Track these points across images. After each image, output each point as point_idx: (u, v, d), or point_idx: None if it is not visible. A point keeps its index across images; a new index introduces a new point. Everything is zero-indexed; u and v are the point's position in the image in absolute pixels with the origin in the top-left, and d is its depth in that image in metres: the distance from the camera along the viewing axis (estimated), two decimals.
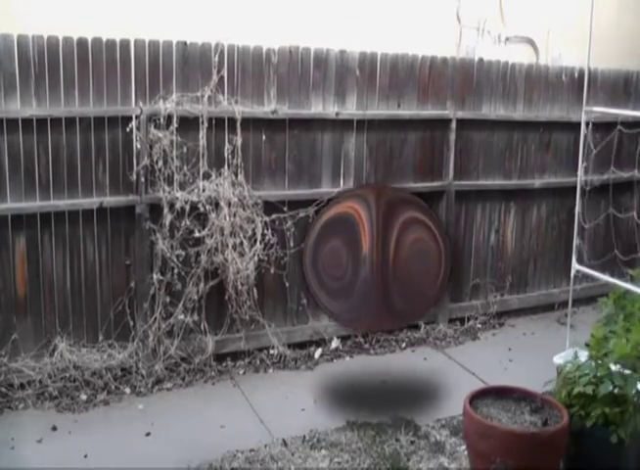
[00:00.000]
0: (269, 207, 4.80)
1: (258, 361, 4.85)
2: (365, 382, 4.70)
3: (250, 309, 4.78)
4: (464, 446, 3.77)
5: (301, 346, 5.05)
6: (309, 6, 5.71)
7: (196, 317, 4.63)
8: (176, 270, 4.53)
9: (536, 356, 4.62)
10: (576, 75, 5.94)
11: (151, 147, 4.38)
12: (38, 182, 4.21)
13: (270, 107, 4.75)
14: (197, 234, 4.56)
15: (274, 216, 4.82)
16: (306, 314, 5.11)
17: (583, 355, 3.68)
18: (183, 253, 4.54)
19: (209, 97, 4.52)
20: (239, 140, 4.63)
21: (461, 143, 5.50)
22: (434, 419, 4.18)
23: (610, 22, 6.73)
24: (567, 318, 4.96)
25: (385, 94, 5.17)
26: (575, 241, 4.85)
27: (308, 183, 4.98)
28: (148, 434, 3.96)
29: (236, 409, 4.26)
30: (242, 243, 4.65)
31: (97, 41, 4.23)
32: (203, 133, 4.51)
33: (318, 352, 5.04)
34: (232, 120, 4.61)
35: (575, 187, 4.92)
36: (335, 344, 5.15)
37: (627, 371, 3.43)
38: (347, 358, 5.06)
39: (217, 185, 4.56)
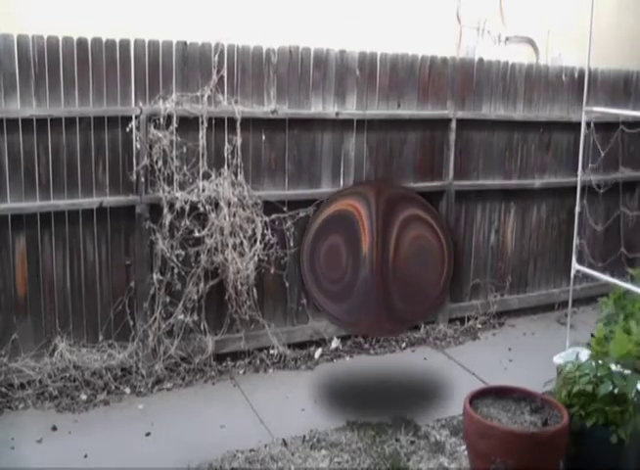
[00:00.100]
0: (269, 207, 4.80)
1: (258, 361, 4.85)
2: (365, 382, 4.70)
3: (249, 309, 4.78)
4: (464, 446, 3.77)
5: (301, 346, 5.05)
6: (309, 6, 5.71)
7: (196, 317, 4.63)
8: (176, 270, 4.53)
9: (536, 356, 4.62)
10: (576, 75, 5.95)
11: (150, 147, 4.39)
12: (38, 182, 4.21)
13: (270, 107, 4.75)
14: (197, 234, 4.56)
15: (274, 216, 4.82)
16: (306, 314, 5.11)
17: (583, 355, 3.68)
18: (183, 253, 4.54)
19: (209, 97, 4.52)
20: (239, 140, 4.63)
21: (461, 143, 5.50)
22: (433, 419, 4.18)
23: (610, 22, 6.73)
24: (567, 318, 4.96)
25: (385, 94, 5.17)
26: (575, 241, 4.85)
27: (308, 183, 4.98)
28: (148, 434, 3.96)
29: (236, 409, 4.26)
30: (242, 243, 4.65)
31: (97, 41, 4.24)
32: (202, 133, 4.51)
33: (318, 352, 5.04)
34: (232, 120, 4.61)
35: (575, 187, 4.92)
36: (335, 344, 5.15)
37: (627, 371, 3.43)
38: (347, 358, 5.06)
39: (217, 185, 4.57)
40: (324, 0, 5.80)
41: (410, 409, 4.25)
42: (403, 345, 5.27)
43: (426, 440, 3.95)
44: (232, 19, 5.24)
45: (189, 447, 3.81)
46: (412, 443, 3.92)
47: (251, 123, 4.70)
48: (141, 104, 4.36)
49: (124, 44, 4.30)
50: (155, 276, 4.49)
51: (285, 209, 4.86)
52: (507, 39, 6.78)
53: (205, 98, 4.50)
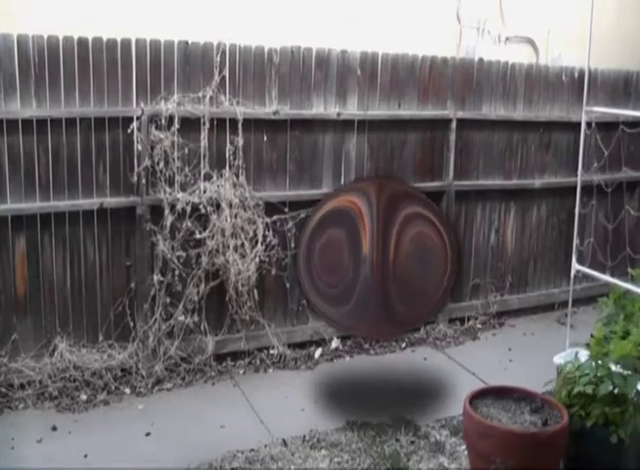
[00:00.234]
0: (270, 208, 4.80)
1: (258, 361, 4.85)
2: (365, 382, 4.71)
3: (250, 310, 4.78)
4: (464, 446, 3.77)
5: (302, 346, 5.05)
6: (310, 6, 5.71)
7: (196, 318, 4.64)
8: (177, 271, 4.53)
9: (536, 356, 4.62)
10: (576, 75, 5.95)
11: (152, 148, 4.38)
12: (38, 183, 4.21)
13: (272, 107, 4.75)
14: (198, 235, 4.56)
15: (275, 217, 4.82)
16: (306, 315, 5.11)
17: (583, 355, 3.69)
18: (184, 254, 4.54)
19: (211, 97, 4.52)
20: (240, 141, 4.63)
21: (461, 143, 5.51)
22: (433, 419, 4.18)
23: (610, 22, 6.73)
24: (567, 318, 4.96)
25: (385, 94, 5.17)
26: (575, 241, 4.85)
27: (309, 184, 4.98)
28: (148, 434, 3.97)
29: (236, 409, 4.27)
30: (243, 244, 4.65)
31: (98, 41, 4.23)
32: (204, 134, 4.51)
33: (318, 352, 5.04)
34: (233, 121, 4.61)
35: (575, 187, 4.92)
36: (335, 344, 5.15)
37: (627, 371, 3.43)
38: (347, 358, 5.07)
39: (218, 186, 4.57)
40: (325, 0, 5.80)
41: (410, 409, 4.26)
42: (403, 345, 5.27)
43: (426, 440, 3.96)
44: (234, 18, 5.24)
45: (189, 447, 3.82)
46: (412, 443, 3.93)
47: (253, 124, 4.70)
48: (142, 104, 4.36)
49: (126, 44, 4.30)
50: (155, 277, 4.49)
51: (286, 209, 4.86)
52: (507, 39, 6.78)
53: (207, 99, 4.50)
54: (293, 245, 4.92)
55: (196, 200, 4.51)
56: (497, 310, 5.82)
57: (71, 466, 3.63)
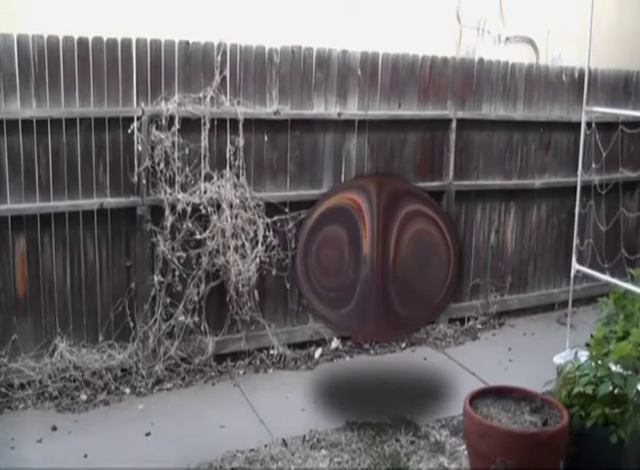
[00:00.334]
0: (271, 208, 4.80)
1: (258, 361, 4.85)
2: (365, 382, 4.70)
3: (250, 310, 4.78)
4: (464, 446, 3.77)
5: (302, 346, 5.05)
6: (311, 6, 5.71)
7: (196, 318, 4.64)
8: (177, 272, 4.53)
9: (536, 356, 4.62)
10: (576, 75, 5.95)
11: (152, 148, 4.38)
12: (38, 183, 4.21)
13: (272, 107, 4.75)
14: (198, 236, 4.56)
15: (276, 218, 4.82)
16: (307, 315, 5.10)
17: (583, 355, 3.69)
18: (184, 254, 4.54)
19: (212, 97, 4.51)
20: (241, 141, 4.62)
21: (461, 143, 5.51)
22: (433, 419, 4.18)
23: (610, 22, 6.73)
24: (567, 318, 4.96)
25: (386, 94, 5.17)
26: (575, 241, 4.85)
27: (310, 184, 4.98)
28: (148, 434, 3.97)
29: (236, 409, 4.27)
30: (243, 245, 4.65)
31: (98, 41, 4.23)
32: (205, 134, 4.51)
33: (318, 352, 5.04)
34: (234, 121, 4.61)
35: (575, 187, 4.92)
36: (335, 344, 5.15)
37: (627, 371, 3.43)
38: (347, 358, 5.07)
39: (219, 187, 4.57)
40: (325, 0, 5.80)
41: (410, 409, 4.26)
42: (403, 345, 5.27)
43: (426, 440, 3.96)
44: (234, 18, 5.24)
45: (189, 447, 3.82)
46: (412, 443, 3.93)
47: (254, 124, 4.70)
48: (143, 105, 4.36)
49: (126, 44, 4.30)
50: (155, 278, 4.49)
51: (286, 210, 4.85)
52: (507, 39, 6.78)
53: (208, 99, 4.49)
54: (293, 245, 4.91)
55: (196, 200, 4.51)
56: (497, 310, 5.82)
57: (71, 466, 3.63)
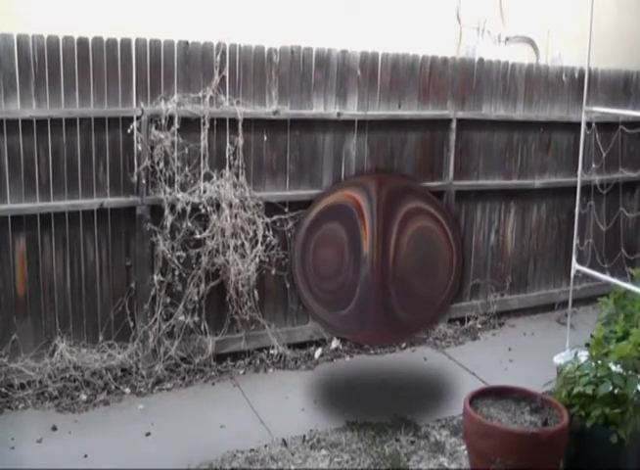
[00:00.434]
0: (270, 208, 4.80)
1: (258, 361, 4.85)
2: (365, 382, 4.70)
3: (250, 310, 4.78)
4: (464, 446, 3.77)
5: (301, 346, 5.05)
6: (310, 6, 5.71)
7: (196, 318, 4.64)
8: (177, 271, 4.53)
9: (536, 356, 4.62)
10: (576, 75, 5.95)
11: (152, 148, 4.38)
12: (38, 183, 4.21)
13: (272, 107, 4.75)
14: (198, 235, 4.56)
15: (275, 217, 4.81)
16: (307, 315, 5.10)
17: (583, 355, 3.69)
18: (184, 254, 4.54)
19: (211, 97, 4.52)
20: (240, 141, 4.63)
21: (461, 143, 5.51)
22: (433, 419, 4.18)
23: (610, 22, 6.73)
24: (567, 318, 4.96)
25: (386, 94, 5.17)
26: (575, 241, 4.85)
27: (310, 184, 4.97)
28: (148, 434, 3.97)
29: (236, 409, 4.27)
30: (243, 244, 4.65)
31: (98, 41, 4.23)
32: (204, 134, 4.51)
33: (318, 352, 5.04)
34: (233, 121, 4.61)
35: (575, 187, 4.92)
36: (335, 344, 5.15)
37: (627, 372, 3.43)
38: (347, 358, 5.07)
39: (218, 186, 4.57)
40: (325, 0, 5.80)
41: (410, 409, 4.26)
42: (403, 345, 5.27)
43: (426, 440, 3.96)
44: (234, 18, 5.24)
45: (189, 447, 3.82)
46: (412, 443, 3.93)
47: (253, 124, 4.70)
48: (142, 104, 4.36)
49: (125, 44, 4.30)
50: (155, 277, 4.49)
51: (286, 210, 4.85)
52: (507, 39, 6.78)
53: (207, 99, 4.50)
54: (292, 245, 4.91)
55: (196, 200, 4.51)
56: (497, 310, 5.82)
57: (71, 466, 3.62)
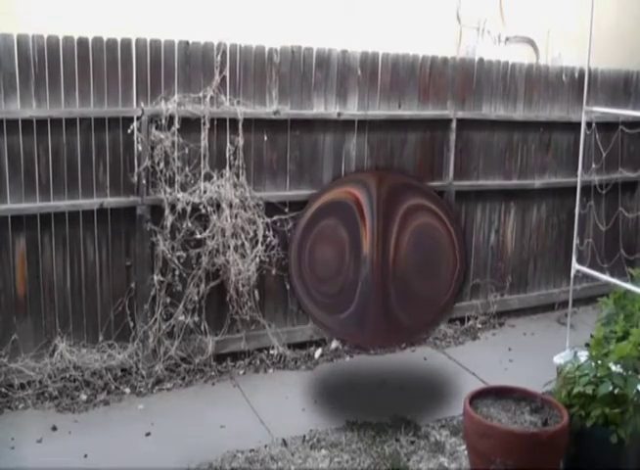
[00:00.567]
0: (270, 208, 4.79)
1: (258, 361, 4.85)
2: (365, 382, 4.70)
3: (250, 310, 4.78)
4: (464, 446, 3.77)
5: (301, 346, 5.05)
6: (311, 6, 5.71)
7: (196, 318, 4.63)
8: (177, 271, 4.53)
9: (536, 356, 4.62)
10: (576, 75, 5.95)
11: (152, 148, 4.38)
12: (38, 183, 4.21)
13: (272, 107, 4.75)
14: (198, 235, 4.56)
15: (275, 217, 4.81)
16: (306, 315, 5.10)
17: (583, 355, 3.69)
18: (184, 254, 4.54)
19: (212, 97, 4.51)
20: (241, 141, 4.62)
21: (461, 143, 5.51)
22: (433, 419, 4.18)
23: (610, 22, 6.72)
24: (567, 318, 4.96)
25: (386, 94, 5.17)
26: (575, 241, 4.85)
27: (310, 184, 4.97)
28: (148, 434, 3.97)
29: (236, 409, 4.27)
30: (243, 244, 4.65)
31: (98, 41, 4.23)
32: (204, 134, 4.51)
33: (318, 353, 5.04)
34: (234, 121, 4.60)
35: (575, 187, 4.93)
36: (335, 344, 5.15)
37: (627, 371, 3.43)
38: (347, 358, 5.07)
39: (219, 186, 4.57)
40: (325, 0, 5.80)
41: (410, 409, 4.25)
42: (403, 345, 5.26)
43: (426, 440, 3.96)
44: (234, 18, 5.24)
45: (189, 447, 3.82)
46: (412, 443, 3.93)
47: (254, 124, 4.70)
48: (142, 104, 4.36)
49: (126, 44, 4.30)
50: (155, 277, 4.49)
51: (286, 210, 4.85)
52: (507, 39, 6.78)
53: (208, 98, 4.49)
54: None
55: (196, 200, 4.51)
56: (497, 310, 5.82)
57: (71, 466, 3.63)
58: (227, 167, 4.62)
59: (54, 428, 3.97)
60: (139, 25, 4.63)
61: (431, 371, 4.87)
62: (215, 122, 4.56)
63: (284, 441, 3.90)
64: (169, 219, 4.46)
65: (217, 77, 4.53)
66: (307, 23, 5.53)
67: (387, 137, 5.22)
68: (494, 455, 3.28)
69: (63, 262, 4.34)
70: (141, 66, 4.35)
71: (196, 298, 4.61)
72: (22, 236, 4.22)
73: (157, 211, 4.47)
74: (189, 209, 4.49)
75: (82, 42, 4.19)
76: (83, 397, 4.28)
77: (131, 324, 4.51)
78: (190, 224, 4.52)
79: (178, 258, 4.52)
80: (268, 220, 4.77)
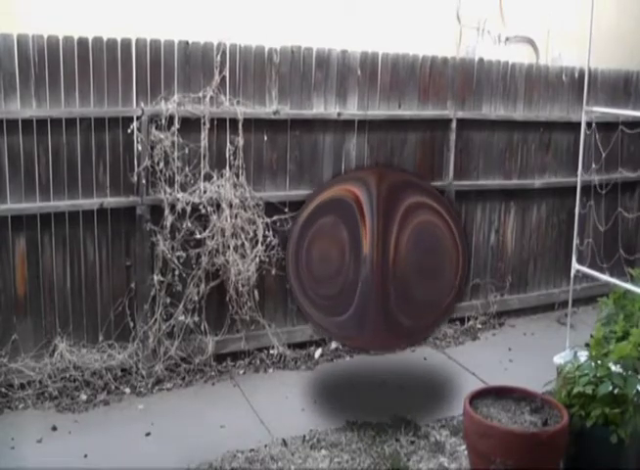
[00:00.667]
0: (270, 208, 4.79)
1: (258, 361, 4.85)
2: (365, 382, 4.70)
3: (250, 310, 4.78)
4: (464, 446, 3.77)
5: (302, 346, 5.05)
6: (311, 6, 5.71)
7: (196, 318, 4.63)
8: (177, 272, 4.53)
9: (536, 356, 4.62)
10: (576, 75, 5.95)
11: (152, 148, 4.38)
12: (38, 183, 4.21)
13: (272, 107, 4.75)
14: (198, 236, 4.56)
15: (275, 217, 4.81)
16: None
17: (583, 355, 3.69)
18: (184, 254, 4.54)
19: (211, 97, 4.51)
20: (240, 141, 4.62)
21: (461, 143, 5.51)
22: (434, 419, 4.18)
23: (610, 22, 6.72)
24: (567, 318, 4.96)
25: (386, 94, 5.17)
26: (575, 241, 4.85)
27: (310, 184, 4.97)
28: (148, 434, 3.97)
29: (236, 409, 4.27)
30: (243, 244, 4.65)
31: (98, 41, 4.23)
32: (204, 134, 4.51)
33: (318, 352, 5.04)
34: (234, 121, 4.60)
35: (575, 187, 4.92)
36: (335, 344, 5.14)
37: (627, 372, 3.43)
38: (347, 358, 5.07)
39: (219, 186, 4.56)
40: (325, 0, 5.80)
41: (410, 409, 4.25)
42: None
43: (426, 440, 3.96)
44: (234, 18, 5.24)
45: (189, 447, 3.82)
46: (412, 443, 3.93)
47: (253, 124, 4.70)
48: (142, 104, 4.36)
49: (126, 43, 4.30)
50: (155, 277, 4.49)
51: (286, 210, 4.85)
52: (507, 39, 6.78)
53: (208, 98, 4.49)
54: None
55: (196, 200, 4.51)
56: (497, 310, 5.82)
57: (71, 466, 3.63)
58: (227, 167, 4.62)
59: (54, 428, 3.97)
60: (139, 25, 4.63)
61: (431, 371, 4.87)
62: (215, 122, 4.56)
63: (284, 441, 3.90)
64: (169, 219, 4.46)
65: (217, 77, 4.53)
66: (307, 23, 5.53)
67: (387, 137, 5.22)
68: (494, 455, 3.28)
69: (63, 262, 4.35)
70: (141, 66, 4.35)
71: (196, 298, 4.61)
72: (22, 236, 4.22)
73: (156, 211, 4.47)
74: (189, 209, 4.49)
75: (82, 42, 4.19)
76: (83, 397, 4.28)
77: (131, 324, 4.51)
78: (190, 224, 4.52)
79: (178, 258, 4.52)
80: (268, 220, 4.77)
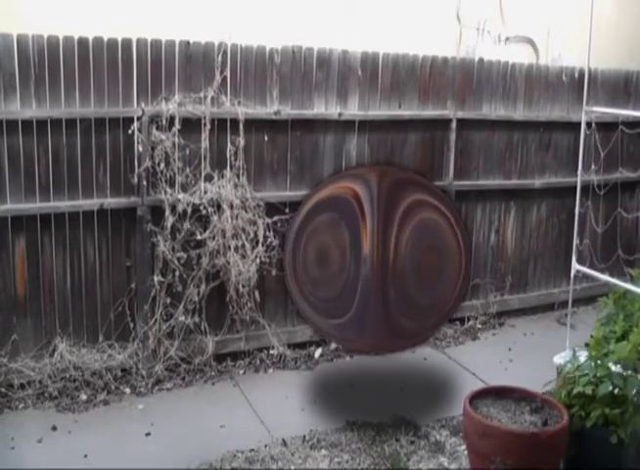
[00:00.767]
0: (271, 208, 4.79)
1: (258, 361, 4.86)
2: (365, 382, 4.70)
3: (250, 311, 4.78)
4: (464, 446, 3.78)
5: (301, 346, 5.05)
6: (311, 6, 5.72)
7: (196, 318, 4.63)
8: (177, 272, 4.53)
9: (536, 356, 4.63)
10: (576, 75, 5.95)
11: (152, 149, 4.38)
12: (38, 183, 4.21)
13: (273, 108, 4.75)
14: (198, 236, 4.56)
15: (276, 218, 4.81)
16: None
17: (583, 355, 3.69)
18: (184, 255, 4.54)
19: (212, 98, 4.51)
20: (241, 141, 4.62)
21: (461, 143, 5.51)
22: (433, 419, 4.18)
23: (610, 22, 6.74)
24: (567, 318, 4.96)
25: (386, 94, 5.17)
26: (575, 241, 4.85)
27: (310, 184, 4.96)
28: (148, 434, 3.97)
29: (236, 409, 4.27)
30: (244, 245, 4.65)
31: (98, 41, 4.22)
32: (205, 135, 4.51)
33: (318, 352, 5.04)
34: (235, 122, 4.60)
35: (575, 187, 4.93)
36: (335, 344, 5.15)
37: (627, 372, 3.43)
38: (347, 358, 5.07)
39: (219, 187, 4.56)
40: (326, 0, 5.80)
41: (410, 409, 4.26)
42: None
43: (426, 440, 3.96)
44: (235, 18, 5.25)
45: (189, 447, 3.82)
46: (412, 443, 3.93)
47: (254, 124, 4.70)
48: (143, 105, 4.36)
49: (126, 44, 4.29)
50: (155, 278, 4.49)
51: (287, 210, 4.84)
52: (507, 39, 6.79)
53: (209, 99, 4.49)
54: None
55: (196, 200, 4.51)
56: (497, 310, 5.82)
57: (71, 466, 3.63)
58: (228, 168, 4.62)
59: (54, 428, 3.97)
60: (140, 25, 4.63)
61: (431, 371, 4.88)
62: (216, 123, 4.55)
63: (284, 441, 3.90)
64: (170, 220, 4.46)
65: (218, 78, 4.53)
66: (308, 24, 5.53)
67: (387, 137, 5.22)
68: (494, 455, 3.28)
69: (63, 263, 4.34)
70: (142, 66, 4.34)
71: (196, 298, 4.61)
72: (22, 236, 4.22)
73: (157, 211, 4.47)
74: (189, 209, 4.49)
75: (82, 42, 4.19)
76: (83, 397, 4.28)
77: (131, 324, 4.51)
78: (190, 225, 4.52)
79: (178, 258, 4.52)
80: (269, 221, 4.77)
